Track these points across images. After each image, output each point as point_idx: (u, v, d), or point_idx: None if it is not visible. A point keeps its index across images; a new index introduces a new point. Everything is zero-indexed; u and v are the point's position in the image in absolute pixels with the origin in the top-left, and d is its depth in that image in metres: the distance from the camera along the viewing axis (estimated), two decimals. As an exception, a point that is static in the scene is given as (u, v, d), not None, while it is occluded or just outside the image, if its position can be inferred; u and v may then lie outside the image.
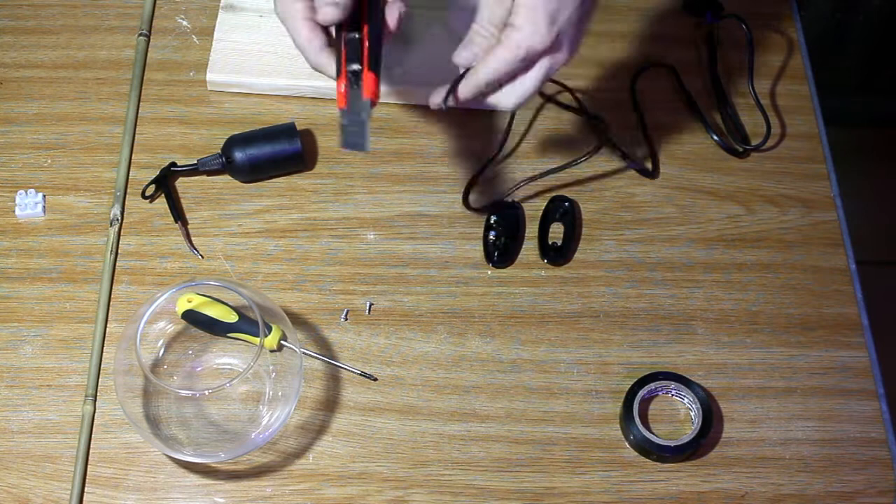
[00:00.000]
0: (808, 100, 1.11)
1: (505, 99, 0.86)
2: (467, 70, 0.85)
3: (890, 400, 0.96)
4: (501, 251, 1.00)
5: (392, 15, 0.86)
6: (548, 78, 0.86)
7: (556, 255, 1.01)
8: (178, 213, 1.01)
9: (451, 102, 0.87)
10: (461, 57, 0.86)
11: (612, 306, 0.99)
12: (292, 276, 0.99)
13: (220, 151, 1.02)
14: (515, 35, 0.82)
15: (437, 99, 0.87)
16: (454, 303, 0.98)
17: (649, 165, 1.05)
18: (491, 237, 1.01)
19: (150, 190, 1.02)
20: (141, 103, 1.07)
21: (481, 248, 1.01)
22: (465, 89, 0.86)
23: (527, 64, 0.84)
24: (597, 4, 0.86)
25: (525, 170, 1.05)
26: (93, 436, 0.92)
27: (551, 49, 0.84)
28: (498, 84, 0.85)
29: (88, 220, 1.01)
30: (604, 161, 1.05)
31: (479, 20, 0.85)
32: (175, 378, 0.94)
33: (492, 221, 1.01)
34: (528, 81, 0.85)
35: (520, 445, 0.93)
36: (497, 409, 0.94)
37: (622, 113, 1.09)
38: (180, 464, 0.91)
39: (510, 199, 1.02)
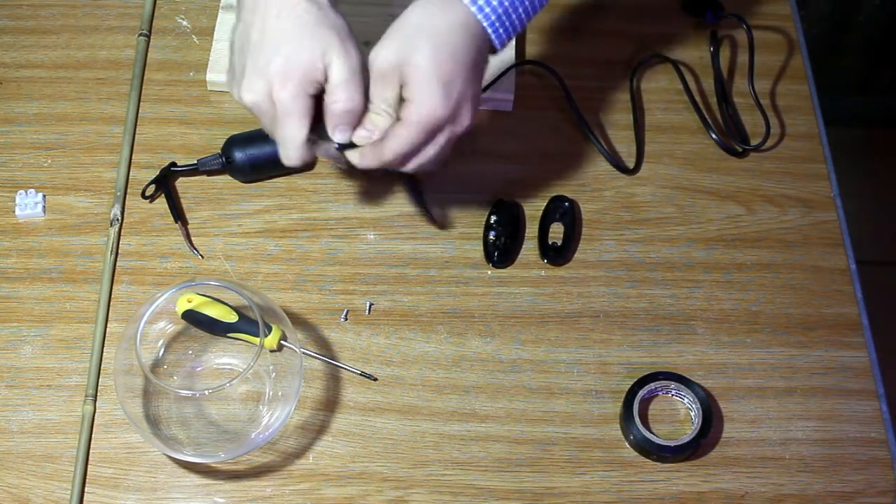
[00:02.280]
0: (808, 100, 1.11)
1: (406, 168, 0.88)
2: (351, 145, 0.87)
3: (890, 400, 0.96)
4: (501, 251, 1.00)
5: None
6: (449, 146, 0.87)
7: (556, 255, 1.01)
8: (178, 213, 1.01)
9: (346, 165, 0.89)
10: (358, 137, 0.86)
11: (612, 306, 0.99)
12: (292, 276, 0.99)
13: (220, 151, 1.02)
14: (413, 108, 0.83)
15: (355, 159, 0.88)
16: (454, 303, 0.98)
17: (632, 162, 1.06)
18: (491, 237, 1.01)
19: (150, 190, 1.02)
20: (141, 103, 1.07)
21: (481, 248, 1.01)
22: (366, 160, 0.87)
23: (429, 136, 0.85)
24: (485, 69, 0.87)
25: (518, 170, 1.05)
26: (93, 436, 0.92)
27: (451, 118, 0.84)
28: (403, 158, 0.86)
29: (88, 220, 1.01)
30: (603, 161, 1.05)
31: (372, 100, 0.86)
32: (175, 378, 0.94)
33: (492, 221, 1.01)
34: (430, 150, 0.86)
35: (520, 445, 0.93)
36: (497, 409, 0.94)
37: (620, 111, 1.09)
38: (180, 464, 0.91)
39: (511, 200, 1.03)
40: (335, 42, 0.83)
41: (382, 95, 0.85)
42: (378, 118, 0.86)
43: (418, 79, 0.83)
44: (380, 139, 0.86)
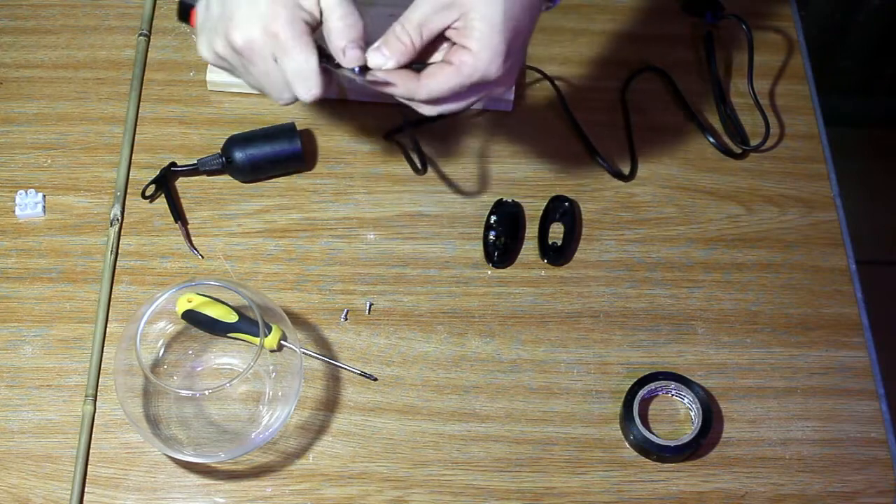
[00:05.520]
0: (808, 100, 1.11)
1: (428, 108, 0.81)
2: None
3: (890, 400, 0.96)
4: (501, 251, 1.00)
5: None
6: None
7: (556, 255, 1.01)
8: (178, 213, 1.01)
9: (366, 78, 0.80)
10: (373, 59, 0.79)
11: (612, 306, 0.99)
12: (292, 276, 0.99)
13: (220, 151, 1.02)
14: (470, 60, 0.77)
15: (376, 58, 0.79)
16: (454, 303, 0.98)
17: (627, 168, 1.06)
18: (491, 237, 1.01)
19: (150, 190, 1.02)
20: (141, 103, 1.07)
21: (481, 248, 1.01)
22: (397, 90, 0.79)
23: (472, 92, 0.79)
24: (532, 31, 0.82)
25: (518, 170, 1.05)
26: (93, 436, 0.92)
27: (498, 80, 0.79)
28: (434, 101, 0.80)
29: (88, 220, 1.01)
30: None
31: (408, 20, 0.78)
32: (175, 378, 0.94)
33: (492, 221, 1.01)
34: (462, 103, 0.81)
35: (520, 445, 0.93)
36: (497, 409, 0.94)
37: (617, 113, 1.09)
38: (180, 464, 0.91)
39: (511, 200, 1.03)
40: None
41: (424, 18, 0.78)
42: (397, 44, 0.78)
43: (485, 33, 0.76)
44: (416, 74, 0.79)
